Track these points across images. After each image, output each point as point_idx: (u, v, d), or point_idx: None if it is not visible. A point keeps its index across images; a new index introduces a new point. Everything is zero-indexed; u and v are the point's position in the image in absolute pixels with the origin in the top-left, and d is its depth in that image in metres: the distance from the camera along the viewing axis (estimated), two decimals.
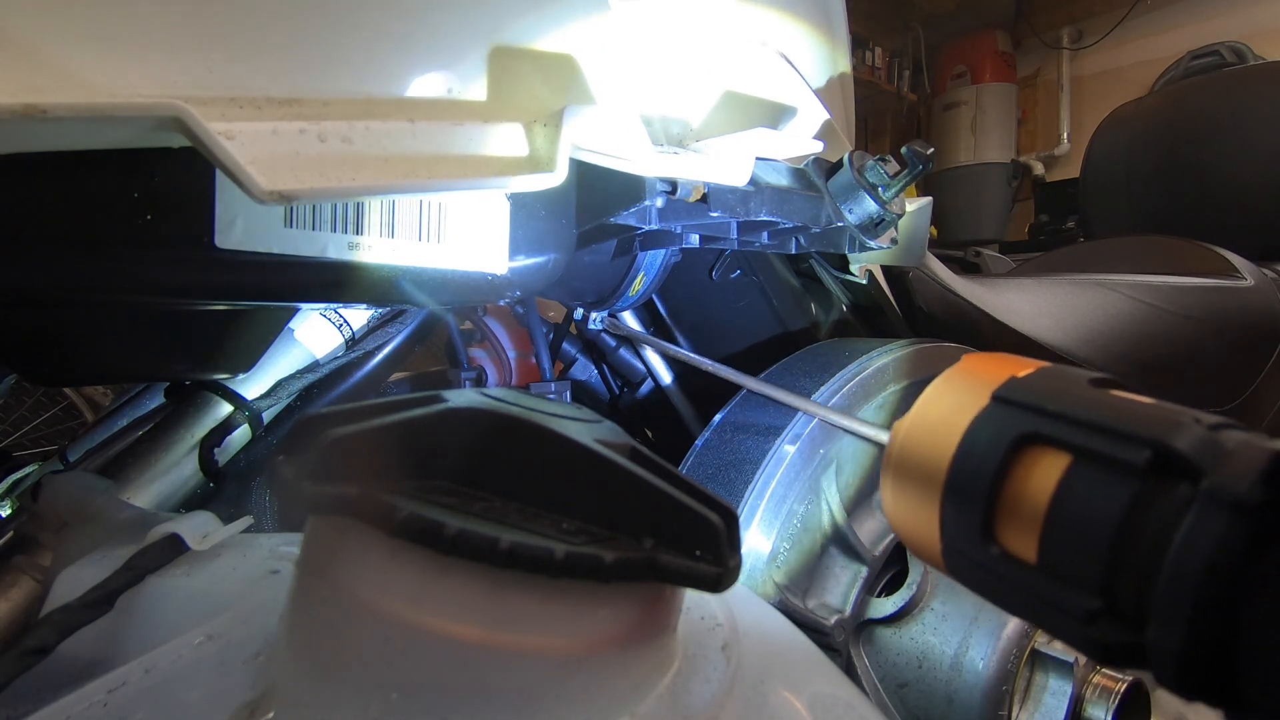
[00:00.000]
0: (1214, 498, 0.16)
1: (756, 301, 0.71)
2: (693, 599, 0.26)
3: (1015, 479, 0.20)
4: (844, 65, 0.59)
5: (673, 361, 0.76)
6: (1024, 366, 0.23)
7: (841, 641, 0.48)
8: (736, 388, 0.57)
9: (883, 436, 0.48)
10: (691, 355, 0.61)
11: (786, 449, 0.49)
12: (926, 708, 0.47)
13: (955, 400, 0.22)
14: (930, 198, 0.64)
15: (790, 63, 0.48)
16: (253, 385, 0.52)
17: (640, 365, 0.79)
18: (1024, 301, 0.85)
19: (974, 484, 0.21)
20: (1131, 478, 0.18)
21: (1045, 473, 0.20)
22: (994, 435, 0.21)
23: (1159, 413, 0.19)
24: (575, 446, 0.20)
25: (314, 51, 0.27)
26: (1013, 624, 0.46)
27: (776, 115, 0.48)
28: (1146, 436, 0.18)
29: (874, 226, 0.52)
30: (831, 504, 0.50)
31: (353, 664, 0.19)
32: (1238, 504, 0.16)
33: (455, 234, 0.38)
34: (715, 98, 0.43)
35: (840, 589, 0.50)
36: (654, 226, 0.47)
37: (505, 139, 0.32)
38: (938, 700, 0.47)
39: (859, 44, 3.73)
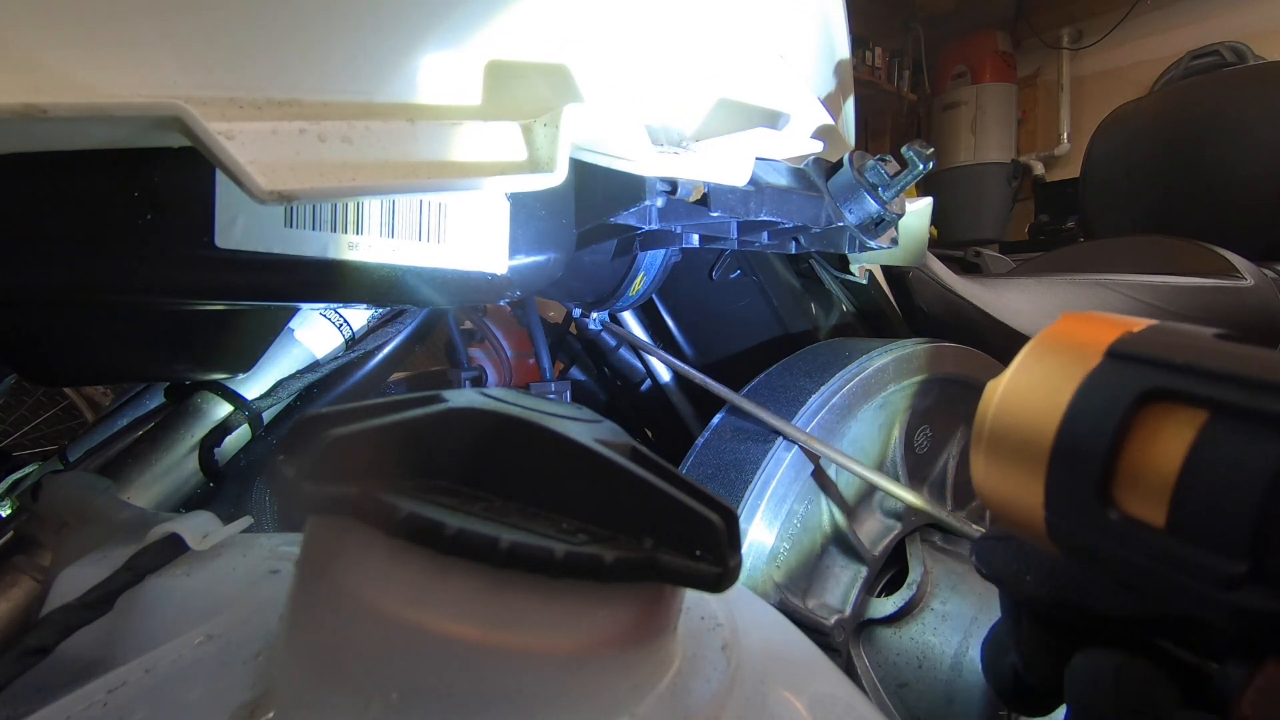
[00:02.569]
0: None
1: (756, 301, 0.71)
2: (693, 599, 0.26)
3: (1138, 438, 0.19)
4: (844, 65, 0.59)
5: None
6: (1134, 323, 0.21)
7: (841, 641, 0.48)
8: (737, 387, 0.57)
9: (855, 467, 0.48)
10: (681, 364, 0.61)
11: (786, 449, 0.49)
12: (926, 708, 0.47)
13: (1058, 359, 0.21)
14: (930, 198, 0.64)
15: (790, 64, 0.48)
16: (253, 385, 0.52)
17: (640, 365, 0.79)
18: (1024, 301, 0.85)
19: (1089, 446, 0.19)
20: None
21: (1176, 430, 0.18)
22: (1112, 393, 0.19)
23: None
24: (575, 446, 0.20)
25: (314, 52, 0.27)
26: None
27: (776, 116, 0.48)
28: None
29: (874, 226, 0.52)
30: (832, 504, 0.50)
31: (353, 664, 0.19)
32: None
33: (455, 234, 0.38)
34: (714, 100, 0.43)
35: (840, 589, 0.50)
36: (654, 226, 0.47)
37: (505, 139, 0.32)
38: (938, 700, 0.47)
39: (859, 44, 3.73)
